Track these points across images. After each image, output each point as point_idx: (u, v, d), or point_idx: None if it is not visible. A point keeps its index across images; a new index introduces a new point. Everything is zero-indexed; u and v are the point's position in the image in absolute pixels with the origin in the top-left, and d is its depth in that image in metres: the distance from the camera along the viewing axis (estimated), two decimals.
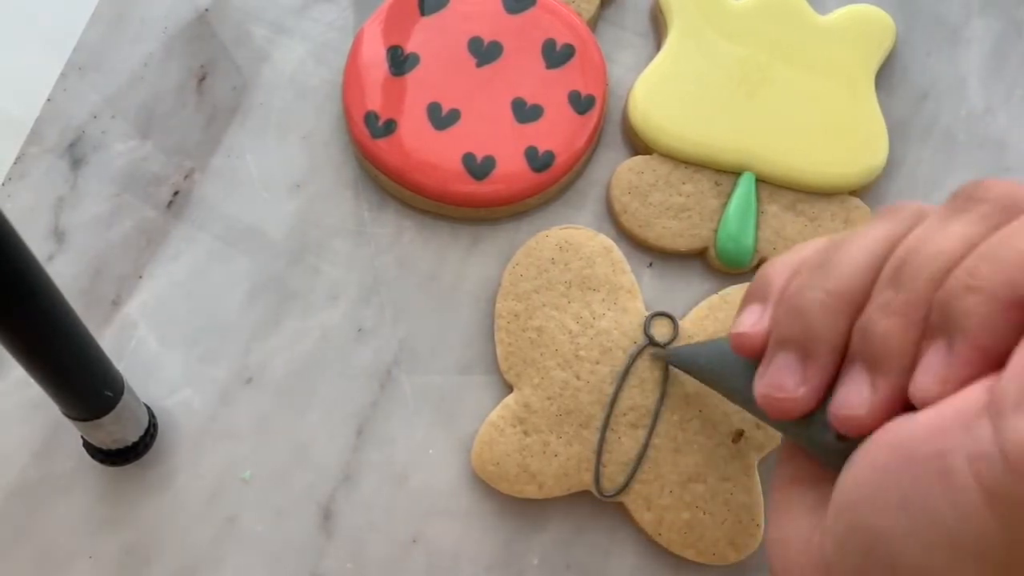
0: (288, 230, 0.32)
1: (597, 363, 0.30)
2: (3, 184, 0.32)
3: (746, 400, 0.23)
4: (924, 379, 0.18)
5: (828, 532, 0.19)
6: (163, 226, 0.32)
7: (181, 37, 0.34)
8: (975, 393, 0.16)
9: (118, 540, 0.29)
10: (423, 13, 0.33)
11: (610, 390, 0.30)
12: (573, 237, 0.31)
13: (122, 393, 0.26)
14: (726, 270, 0.32)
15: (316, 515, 0.30)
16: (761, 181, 0.32)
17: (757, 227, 0.32)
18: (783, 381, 0.20)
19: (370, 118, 0.32)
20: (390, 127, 0.32)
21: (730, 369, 0.24)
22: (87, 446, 0.29)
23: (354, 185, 0.33)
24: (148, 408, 0.29)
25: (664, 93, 0.33)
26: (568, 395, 0.30)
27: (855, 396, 0.19)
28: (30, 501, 0.29)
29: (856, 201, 0.32)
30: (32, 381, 0.24)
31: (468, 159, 0.32)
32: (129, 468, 0.29)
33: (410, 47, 0.33)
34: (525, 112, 0.32)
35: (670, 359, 0.30)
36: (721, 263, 0.32)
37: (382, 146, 0.32)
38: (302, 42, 0.35)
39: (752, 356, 0.22)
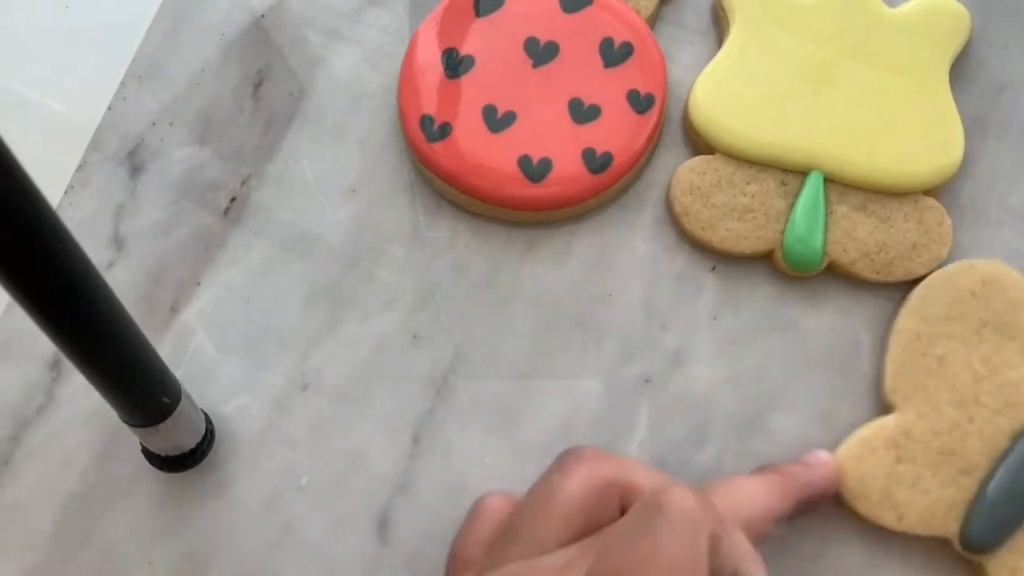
0: (344, 235, 0.32)
1: (997, 413, 0.28)
2: (66, 192, 0.33)
3: None
4: None
5: None
6: (220, 232, 0.32)
7: (238, 43, 0.34)
8: None
9: (176, 547, 0.29)
10: (478, 14, 0.33)
11: (1004, 445, 0.28)
12: (1001, 277, 0.29)
13: (179, 399, 0.26)
14: (793, 273, 0.31)
15: (372, 523, 0.29)
16: (830, 181, 0.31)
17: (826, 228, 0.31)
18: None
19: (425, 122, 0.32)
20: (445, 130, 0.32)
21: None
22: (145, 452, 0.29)
23: (409, 189, 0.33)
24: (206, 414, 0.29)
25: (726, 91, 0.32)
26: (956, 436, 0.28)
27: None
28: (90, 506, 0.29)
29: (930, 201, 0.31)
30: (92, 387, 0.24)
31: (524, 162, 0.31)
32: (187, 474, 0.29)
33: (465, 49, 0.33)
34: (582, 113, 0.32)
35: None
36: (788, 266, 0.31)
37: (437, 150, 0.31)
38: (357, 47, 0.35)
39: None
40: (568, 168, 0.31)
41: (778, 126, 0.31)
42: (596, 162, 0.31)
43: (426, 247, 0.32)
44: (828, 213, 0.31)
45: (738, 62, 0.32)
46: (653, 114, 0.32)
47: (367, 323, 0.31)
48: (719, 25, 0.34)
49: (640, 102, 0.32)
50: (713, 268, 0.32)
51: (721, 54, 0.33)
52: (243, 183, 0.33)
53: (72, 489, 0.30)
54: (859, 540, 0.29)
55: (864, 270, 0.31)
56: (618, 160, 0.31)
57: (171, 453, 0.28)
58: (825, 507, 0.29)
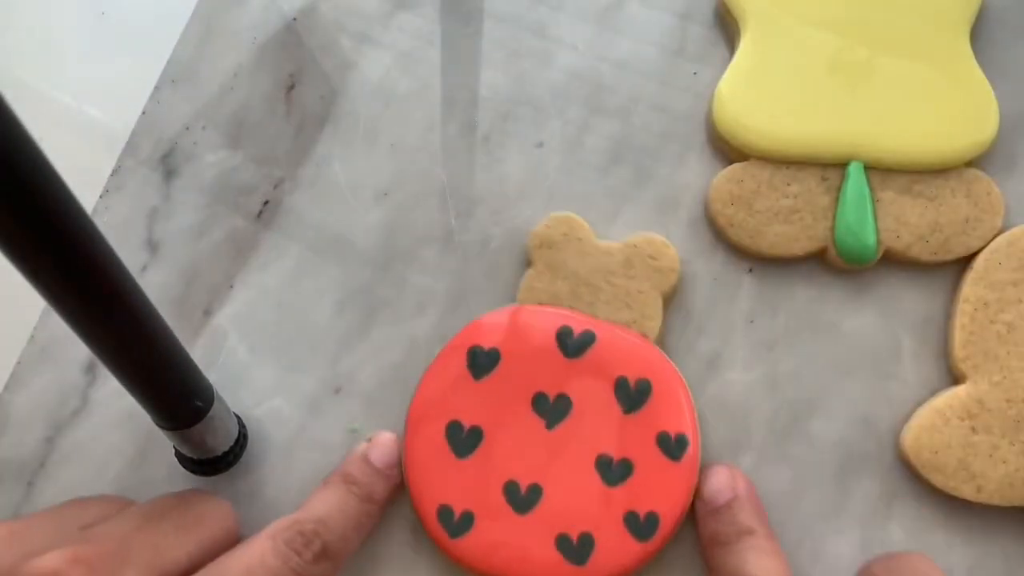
0: (376, 239, 0.32)
1: None
2: (101, 197, 0.33)
3: None
4: None
5: None
6: (253, 236, 0.32)
7: (270, 47, 0.34)
8: None
9: None
10: (475, 377, 0.29)
11: None
12: None
13: (212, 403, 0.26)
14: (849, 267, 0.30)
15: (405, 529, 0.29)
16: (870, 168, 0.30)
17: (876, 217, 0.30)
18: None
19: (444, 514, 0.28)
20: (468, 521, 0.28)
21: None
22: (178, 455, 0.29)
23: (441, 192, 0.33)
24: (238, 417, 0.29)
25: (751, 93, 0.31)
26: None
27: None
28: None
29: (974, 172, 0.30)
30: (126, 391, 0.24)
31: (563, 543, 0.28)
32: (220, 478, 0.29)
33: (469, 420, 0.29)
34: (613, 471, 0.28)
35: None
36: (843, 261, 0.30)
37: (464, 546, 0.28)
38: (388, 51, 0.34)
39: None
40: (612, 540, 0.28)
41: (809, 121, 0.31)
42: (642, 527, 0.28)
43: (458, 250, 0.32)
44: (875, 201, 0.30)
45: (757, 62, 0.32)
46: (690, 457, 0.28)
47: (399, 326, 0.31)
48: (727, 29, 0.33)
49: (672, 446, 0.28)
50: (750, 270, 0.31)
51: (737, 56, 0.32)
52: (276, 186, 0.33)
53: (106, 491, 0.30)
54: (935, 513, 0.29)
55: (921, 253, 0.30)
56: (665, 519, 0.28)
57: (204, 456, 0.28)
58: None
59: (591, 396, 0.29)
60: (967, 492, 0.28)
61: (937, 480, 0.28)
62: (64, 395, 0.31)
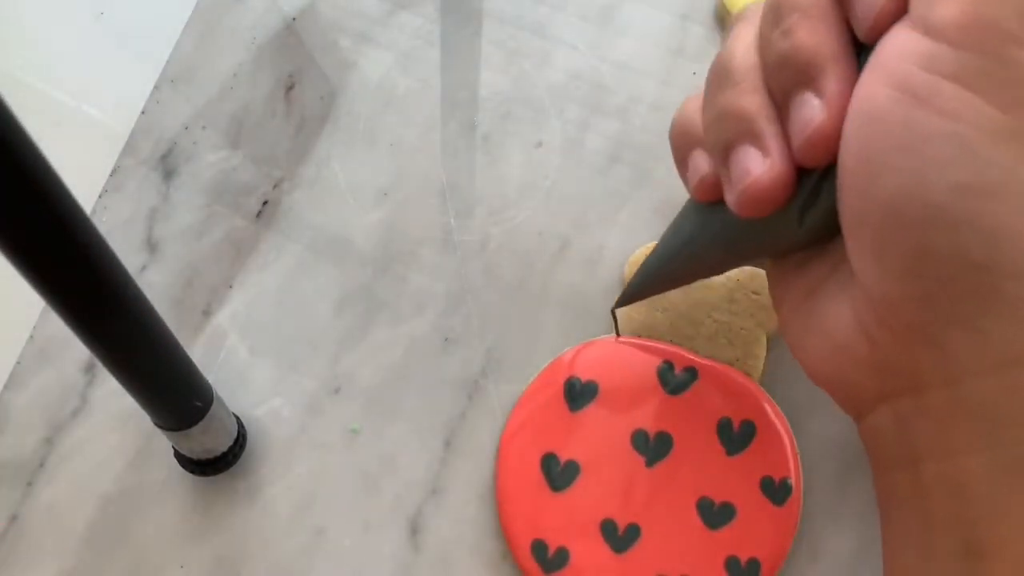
0: (375, 239, 0.32)
1: None
2: (100, 197, 0.33)
3: (729, 246, 0.22)
4: (862, 10, 0.18)
5: (866, 273, 0.18)
6: (252, 236, 0.32)
7: (269, 47, 0.34)
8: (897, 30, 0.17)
9: (209, 550, 0.29)
10: (572, 409, 0.29)
11: None
12: None
13: (211, 403, 0.26)
14: None
15: (404, 529, 0.29)
16: None
17: None
18: (748, 167, 0.20)
19: (538, 549, 0.27)
20: (563, 558, 0.27)
21: (697, 234, 0.23)
22: (178, 456, 0.29)
23: (440, 193, 0.33)
24: (237, 418, 0.29)
25: None
26: None
27: (807, 112, 0.19)
28: (123, 509, 0.30)
29: None
30: (125, 391, 0.24)
31: None
32: (219, 478, 0.29)
33: (566, 454, 0.28)
34: (715, 515, 0.27)
35: (633, 294, 0.27)
36: None
37: None
38: (388, 51, 0.34)
39: (718, 196, 0.22)
40: None
41: None
42: (743, 573, 0.27)
43: (457, 251, 0.32)
44: None
45: None
46: (793, 502, 0.28)
47: (399, 326, 0.31)
48: (726, 29, 0.33)
49: (776, 491, 0.28)
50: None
51: None
52: (275, 186, 0.33)
53: (105, 492, 0.30)
54: None
55: None
56: (766, 566, 0.27)
57: (203, 456, 0.28)
58: None
59: (693, 436, 0.28)
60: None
61: None
62: (63, 395, 0.31)
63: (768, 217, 0.20)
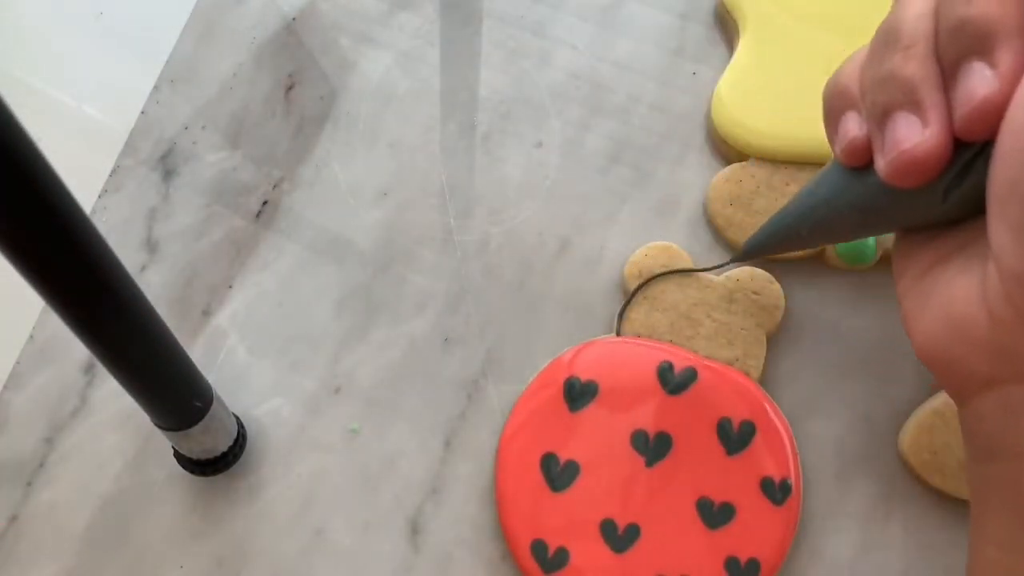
0: (375, 239, 0.32)
1: None
2: (99, 197, 0.33)
3: (865, 213, 0.22)
4: None
5: (1004, 251, 0.18)
6: (252, 236, 0.32)
7: (269, 47, 0.34)
8: None
9: (208, 550, 0.29)
10: (572, 409, 0.29)
11: None
12: None
13: (211, 403, 0.26)
14: (849, 268, 0.30)
15: (404, 529, 0.29)
16: None
17: None
18: (906, 134, 0.19)
19: (538, 549, 0.27)
20: (562, 558, 0.27)
21: (833, 197, 0.23)
22: (177, 456, 0.29)
23: (440, 193, 0.33)
24: (237, 418, 0.29)
25: (750, 93, 0.31)
26: None
27: (977, 82, 0.18)
28: (123, 510, 0.30)
29: None
30: (125, 391, 0.24)
31: None
32: (219, 478, 0.29)
33: (565, 453, 0.28)
34: (714, 515, 0.28)
35: (754, 249, 0.27)
36: (843, 261, 0.30)
37: None
38: (388, 51, 0.34)
39: (865, 161, 0.21)
40: None
41: (809, 121, 0.30)
42: (743, 573, 0.27)
43: (457, 251, 0.32)
44: None
45: (757, 62, 0.32)
46: (793, 501, 0.28)
47: (398, 326, 0.31)
48: (726, 29, 0.33)
49: (776, 491, 0.28)
50: None
51: (737, 57, 0.32)
52: (275, 186, 0.33)
53: (105, 492, 0.30)
54: (935, 513, 0.29)
55: None
56: (766, 566, 0.27)
57: (203, 456, 0.28)
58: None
59: (692, 436, 0.28)
60: (966, 492, 0.28)
61: (936, 480, 0.28)
62: (63, 395, 0.31)
63: (912, 189, 0.20)
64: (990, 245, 0.18)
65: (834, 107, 0.22)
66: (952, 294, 0.20)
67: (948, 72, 0.19)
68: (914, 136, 0.19)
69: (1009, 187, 0.17)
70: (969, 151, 0.19)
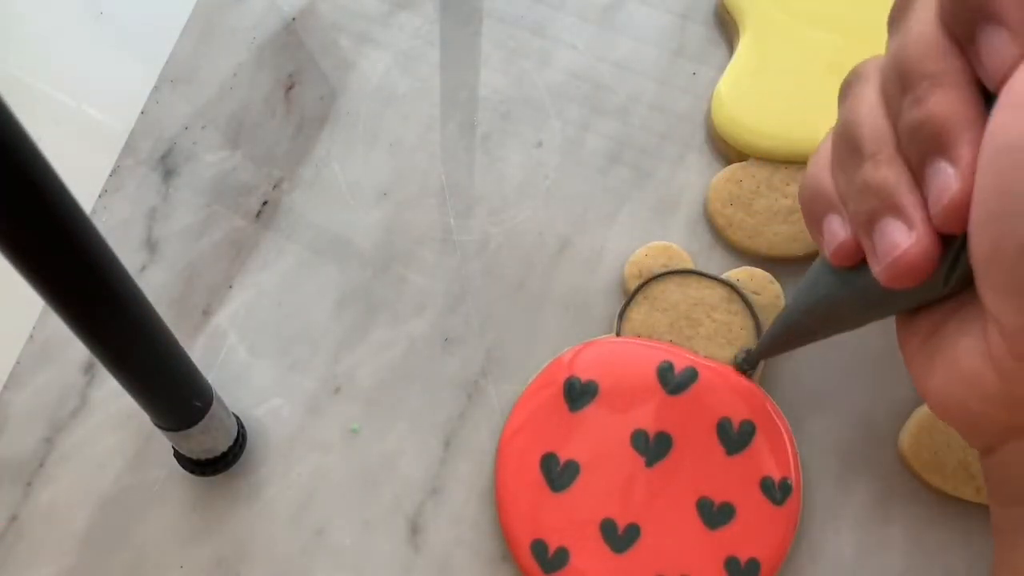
0: (375, 239, 0.32)
1: None
2: (99, 197, 0.33)
3: (870, 307, 0.22)
4: (992, 64, 0.18)
5: (1001, 313, 0.18)
6: (252, 236, 0.32)
7: (269, 47, 0.34)
8: None
9: (208, 550, 0.29)
10: (572, 409, 0.29)
11: None
12: None
13: (211, 403, 0.26)
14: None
15: (404, 529, 0.29)
16: None
17: None
18: (895, 240, 0.20)
19: (537, 549, 0.27)
20: (563, 558, 0.27)
21: (834, 295, 0.23)
22: (177, 456, 0.29)
23: (440, 192, 0.33)
24: (237, 418, 0.29)
25: (751, 94, 0.31)
26: None
27: (943, 181, 0.19)
28: (123, 510, 0.30)
29: None
30: (125, 391, 0.24)
31: None
32: (219, 478, 0.29)
33: (565, 453, 0.28)
34: (714, 515, 0.28)
35: (766, 351, 0.27)
36: None
37: None
38: (388, 51, 0.34)
39: (856, 261, 0.22)
40: None
41: (808, 121, 0.31)
42: (742, 573, 0.27)
43: (457, 251, 0.32)
44: None
45: (757, 62, 0.32)
46: (793, 502, 0.28)
47: (398, 326, 0.31)
48: (726, 29, 0.33)
49: (776, 491, 0.28)
50: None
51: (737, 57, 0.32)
52: (275, 186, 0.33)
53: (105, 492, 0.30)
54: (935, 513, 0.29)
55: None
56: (766, 566, 0.27)
57: (203, 456, 0.28)
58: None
59: (692, 436, 0.28)
60: (967, 492, 0.28)
61: (936, 480, 0.28)
62: (63, 395, 0.31)
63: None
64: (986, 308, 0.19)
65: (814, 211, 0.23)
66: (956, 353, 0.20)
67: (916, 172, 0.20)
68: (903, 241, 0.20)
69: (990, 250, 0.18)
70: (958, 239, 0.19)
